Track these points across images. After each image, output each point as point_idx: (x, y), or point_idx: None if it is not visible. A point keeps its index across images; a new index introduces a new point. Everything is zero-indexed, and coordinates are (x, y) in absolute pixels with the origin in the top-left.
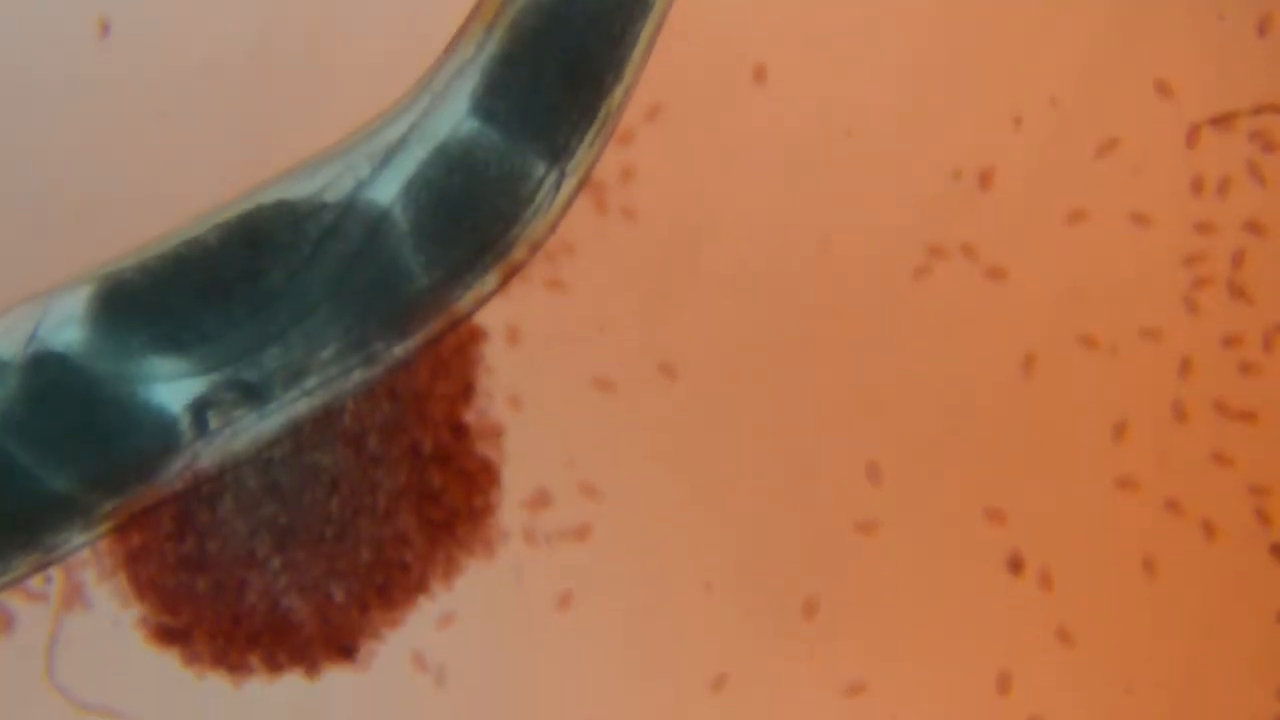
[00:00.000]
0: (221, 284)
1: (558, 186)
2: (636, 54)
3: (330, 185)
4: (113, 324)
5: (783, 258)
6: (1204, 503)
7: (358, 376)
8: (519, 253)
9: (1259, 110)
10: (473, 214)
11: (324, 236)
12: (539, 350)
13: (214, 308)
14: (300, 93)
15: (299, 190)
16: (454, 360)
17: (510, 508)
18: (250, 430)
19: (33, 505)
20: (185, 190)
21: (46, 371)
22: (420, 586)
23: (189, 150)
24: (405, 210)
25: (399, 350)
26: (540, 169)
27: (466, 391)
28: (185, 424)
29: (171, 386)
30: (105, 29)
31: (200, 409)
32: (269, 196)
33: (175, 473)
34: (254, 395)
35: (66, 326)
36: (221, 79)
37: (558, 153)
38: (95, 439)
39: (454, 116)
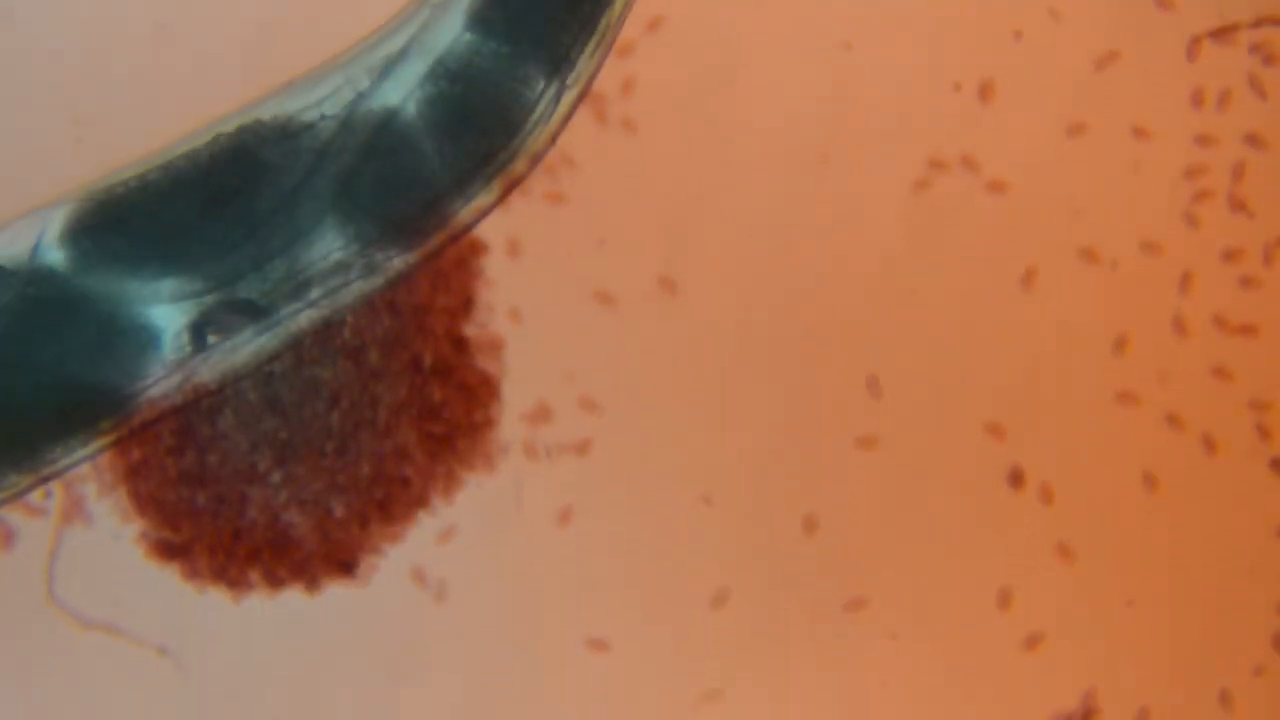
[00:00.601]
0: (219, 200)
1: (558, 98)
2: None
3: (330, 98)
4: (105, 240)
5: (782, 170)
6: (1204, 417)
7: (359, 288)
8: (519, 165)
9: (1259, 23)
10: (474, 125)
11: (324, 148)
12: (539, 263)
13: (211, 223)
14: (300, 7)
15: (297, 103)
16: (454, 273)
17: (510, 422)
18: (250, 344)
19: (33, 418)
20: (185, 103)
21: (43, 285)
22: (420, 501)
23: (188, 63)
24: (407, 119)
25: (400, 261)
26: (540, 81)
27: (467, 305)
28: (184, 341)
29: (169, 304)
30: None
31: (199, 326)
32: (266, 111)
33: (175, 387)
34: (254, 311)
35: (61, 242)
36: None
37: (558, 63)
38: (93, 355)
39: (452, 29)
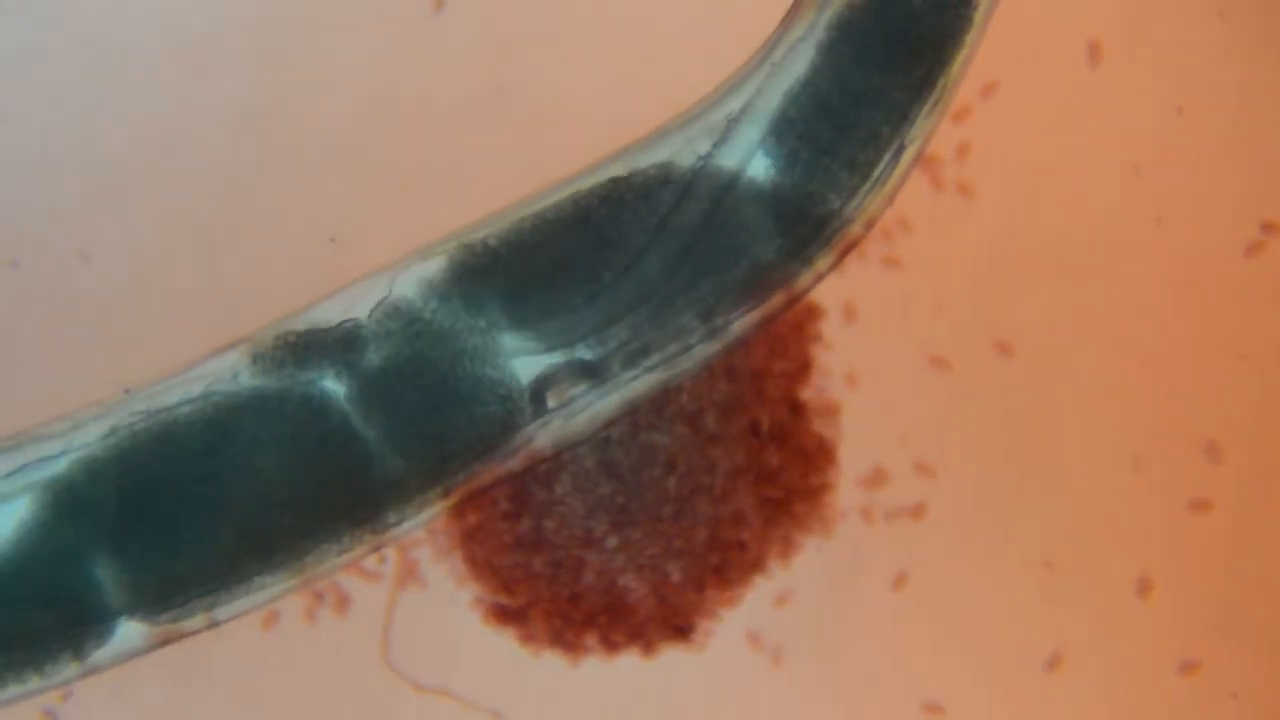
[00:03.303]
0: (570, 260)
1: (897, 157)
2: (974, 27)
3: (674, 158)
4: (463, 296)
5: (1116, 235)
6: None
7: (698, 353)
8: (856, 228)
9: None
10: (815, 183)
11: (670, 211)
12: (875, 328)
13: (561, 283)
14: (638, 67)
15: (643, 162)
16: (791, 338)
17: (847, 486)
18: (588, 410)
19: (372, 483)
20: (521, 169)
21: (395, 344)
22: (757, 565)
23: (523, 125)
24: (749, 180)
25: (739, 326)
26: (879, 138)
27: (804, 369)
28: (525, 403)
29: (514, 364)
30: (442, 4)
31: (539, 389)
32: (619, 170)
33: (512, 453)
34: (593, 374)
35: (418, 297)
36: (552, 56)
37: (897, 121)
38: (439, 415)
39: (791, 88)
